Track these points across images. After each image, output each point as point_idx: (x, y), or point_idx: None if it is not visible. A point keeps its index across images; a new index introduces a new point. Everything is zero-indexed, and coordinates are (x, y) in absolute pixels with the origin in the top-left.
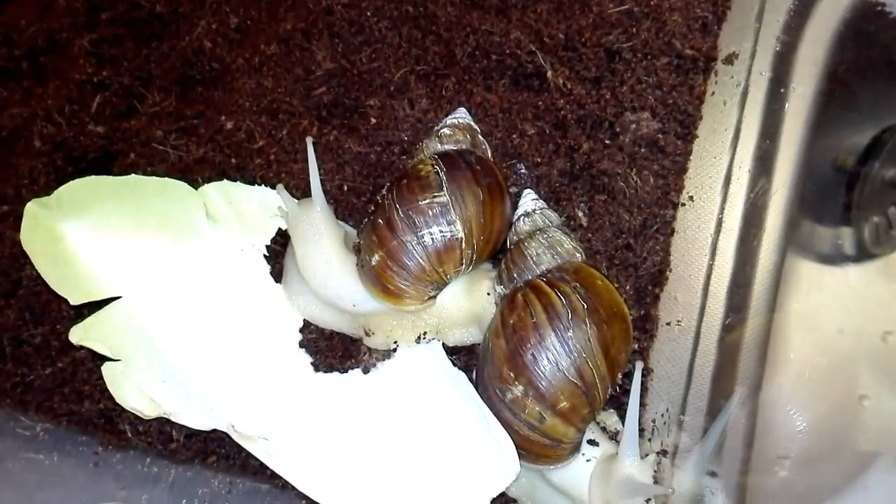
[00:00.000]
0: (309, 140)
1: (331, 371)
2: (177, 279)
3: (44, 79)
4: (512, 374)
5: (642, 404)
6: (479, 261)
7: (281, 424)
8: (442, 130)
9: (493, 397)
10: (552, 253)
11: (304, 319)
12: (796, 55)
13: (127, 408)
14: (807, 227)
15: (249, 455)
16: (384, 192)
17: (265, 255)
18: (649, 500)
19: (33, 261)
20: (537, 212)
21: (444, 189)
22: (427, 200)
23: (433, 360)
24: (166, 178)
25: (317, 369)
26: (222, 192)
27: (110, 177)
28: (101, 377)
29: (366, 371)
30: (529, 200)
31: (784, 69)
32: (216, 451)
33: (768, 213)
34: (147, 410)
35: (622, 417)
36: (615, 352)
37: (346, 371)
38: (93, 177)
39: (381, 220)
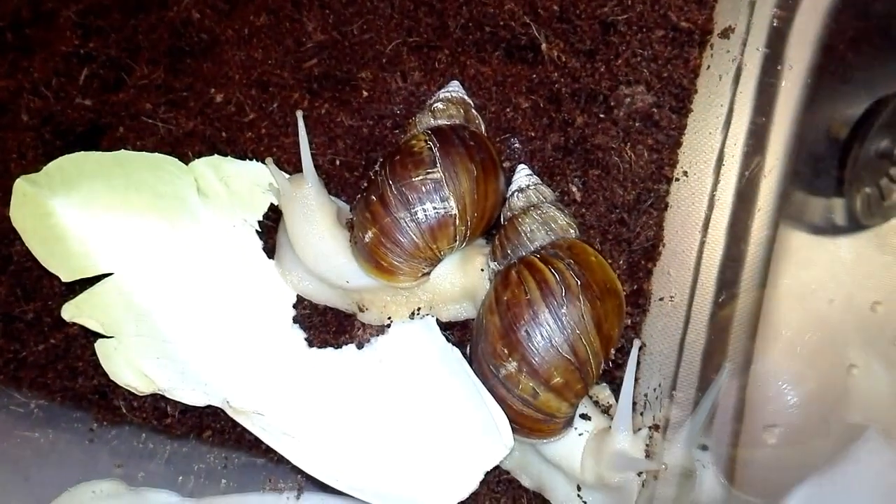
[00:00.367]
0: (299, 114)
1: (325, 346)
2: (168, 256)
3: (29, 51)
4: (506, 351)
5: (635, 379)
6: (473, 237)
7: (275, 400)
8: (435, 105)
9: (486, 373)
10: (546, 229)
11: (298, 295)
12: (791, 29)
13: (121, 384)
14: (799, 200)
15: (244, 430)
16: (377, 168)
17: (257, 231)
18: (641, 473)
19: (23, 237)
20: (531, 187)
21: (438, 165)
22: (420, 177)
23: (427, 336)
24: (156, 154)
25: (311, 345)
26: (213, 168)
27: (100, 152)
28: (94, 353)
29: (360, 346)
30: (523, 176)
31: (779, 44)
32: (211, 426)
33: (761, 188)
34: (141, 387)
35: (615, 392)
36: (608, 328)
37: (339, 346)
38: (82, 152)
39: (374, 197)
